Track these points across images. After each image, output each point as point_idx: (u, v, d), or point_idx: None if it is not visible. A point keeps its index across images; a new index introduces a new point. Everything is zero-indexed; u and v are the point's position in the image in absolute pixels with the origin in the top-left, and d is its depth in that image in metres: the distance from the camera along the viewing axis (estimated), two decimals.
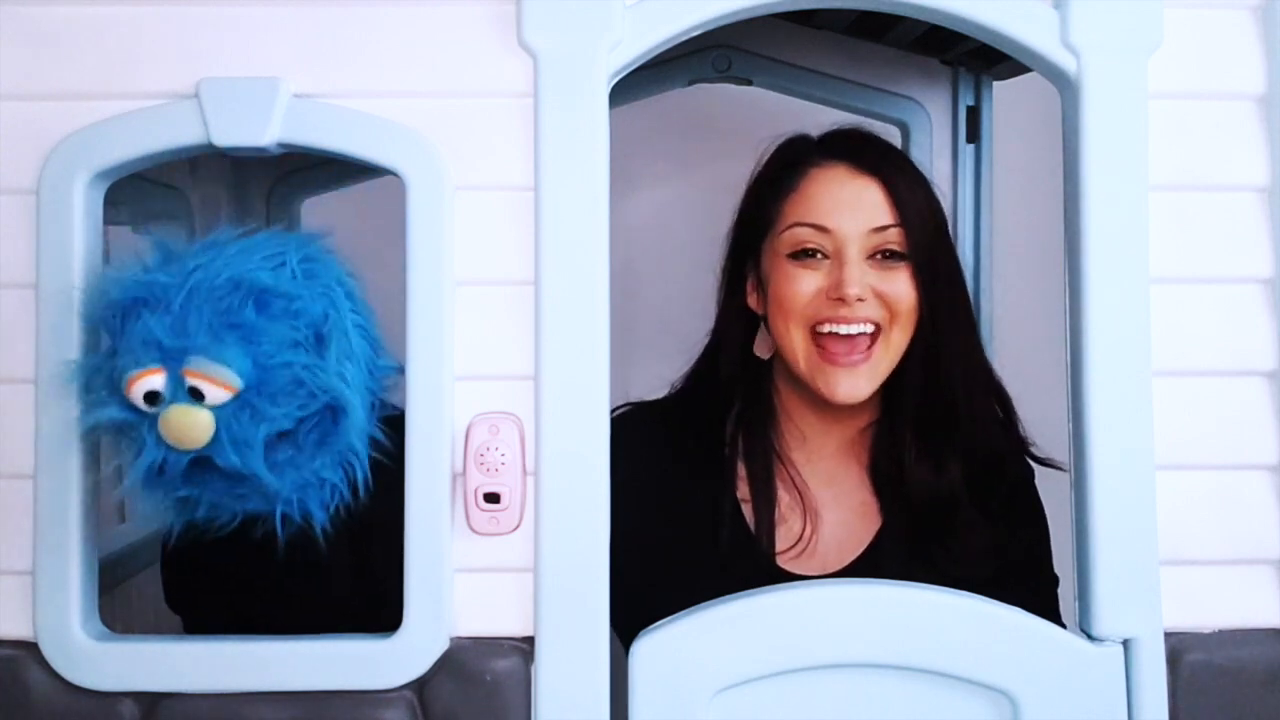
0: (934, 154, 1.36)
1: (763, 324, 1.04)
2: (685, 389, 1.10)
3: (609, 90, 0.78)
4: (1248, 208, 0.81)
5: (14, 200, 0.77)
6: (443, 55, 0.79)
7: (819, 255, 0.99)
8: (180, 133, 0.77)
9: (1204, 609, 0.80)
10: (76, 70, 0.78)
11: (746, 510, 1.03)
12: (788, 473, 1.04)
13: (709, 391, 1.07)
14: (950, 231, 1.03)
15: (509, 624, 0.77)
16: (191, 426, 0.69)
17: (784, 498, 1.04)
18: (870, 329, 0.97)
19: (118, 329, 0.72)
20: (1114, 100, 0.79)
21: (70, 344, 0.76)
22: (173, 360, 0.70)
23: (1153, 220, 0.79)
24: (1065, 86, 0.81)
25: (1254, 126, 0.81)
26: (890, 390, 1.03)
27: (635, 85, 1.29)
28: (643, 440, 1.04)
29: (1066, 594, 0.86)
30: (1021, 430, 1.07)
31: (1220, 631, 0.80)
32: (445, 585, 0.77)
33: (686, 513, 1.03)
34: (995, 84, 1.38)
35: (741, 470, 1.05)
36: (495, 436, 0.76)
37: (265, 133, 0.77)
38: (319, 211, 1.36)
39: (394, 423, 0.77)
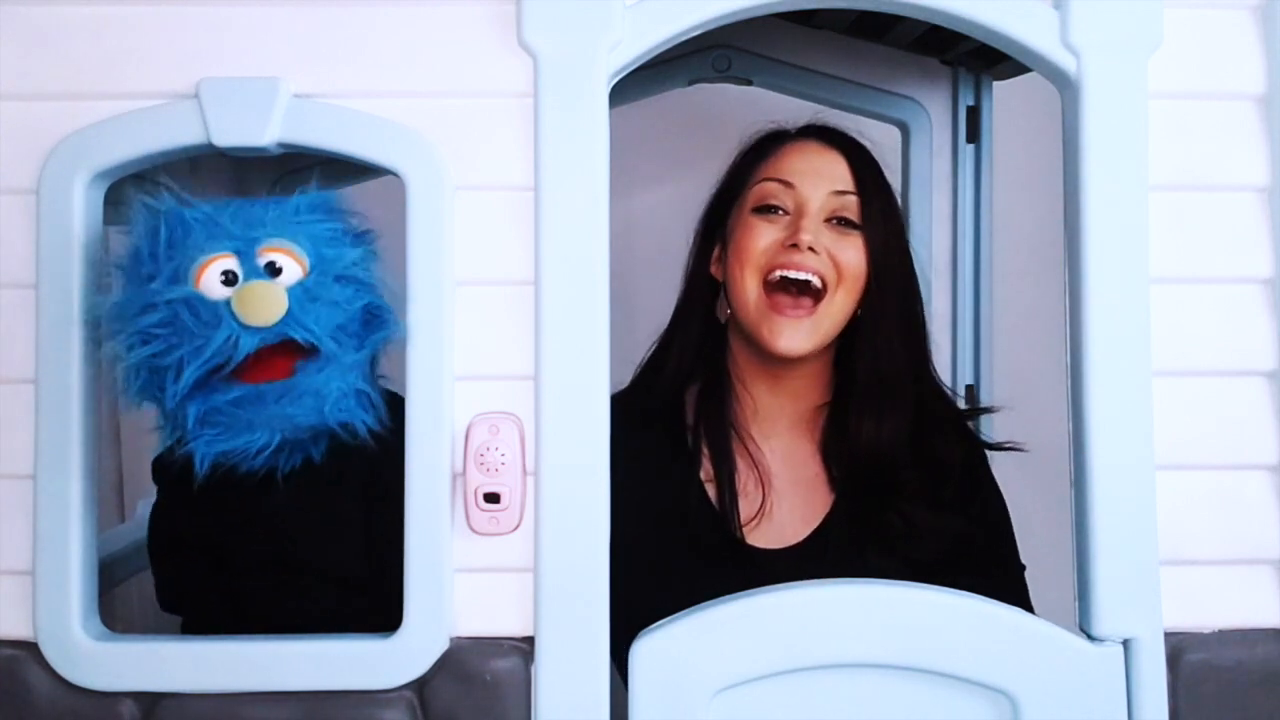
0: (934, 154, 1.36)
1: (722, 289, 1.09)
2: (647, 367, 1.14)
3: (609, 90, 0.78)
4: (1248, 208, 0.81)
5: (14, 200, 0.77)
6: (443, 55, 0.79)
7: (781, 212, 1.04)
8: (180, 133, 0.78)
9: (1204, 609, 0.80)
10: (76, 70, 0.78)
11: (710, 489, 1.06)
12: (744, 445, 1.08)
13: (673, 365, 1.11)
14: (906, 234, 1.09)
15: (509, 624, 0.77)
16: (273, 297, 0.72)
17: (740, 468, 1.07)
18: (818, 282, 1.01)
19: (159, 236, 0.74)
20: (1114, 100, 0.79)
21: (71, 344, 0.76)
22: (245, 244, 0.74)
23: (1153, 220, 0.80)
24: (1065, 86, 0.81)
25: (1254, 126, 0.81)
26: (841, 373, 1.08)
27: (635, 85, 1.30)
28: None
29: (1066, 594, 0.86)
30: (970, 421, 1.13)
31: (1220, 631, 0.80)
32: (445, 585, 0.77)
33: (652, 498, 1.04)
34: (995, 84, 1.38)
35: (704, 448, 1.08)
36: (495, 436, 0.76)
37: (265, 133, 0.77)
38: None
39: (390, 400, 0.79)
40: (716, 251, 1.11)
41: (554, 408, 0.77)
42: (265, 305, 0.72)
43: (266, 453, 0.75)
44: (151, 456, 0.92)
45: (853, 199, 1.04)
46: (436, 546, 0.76)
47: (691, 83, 1.36)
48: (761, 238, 1.04)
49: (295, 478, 0.79)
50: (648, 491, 1.04)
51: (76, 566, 0.77)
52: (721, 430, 1.08)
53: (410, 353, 0.77)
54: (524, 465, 0.77)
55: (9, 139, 0.78)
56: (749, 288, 1.04)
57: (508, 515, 0.76)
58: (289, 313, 0.73)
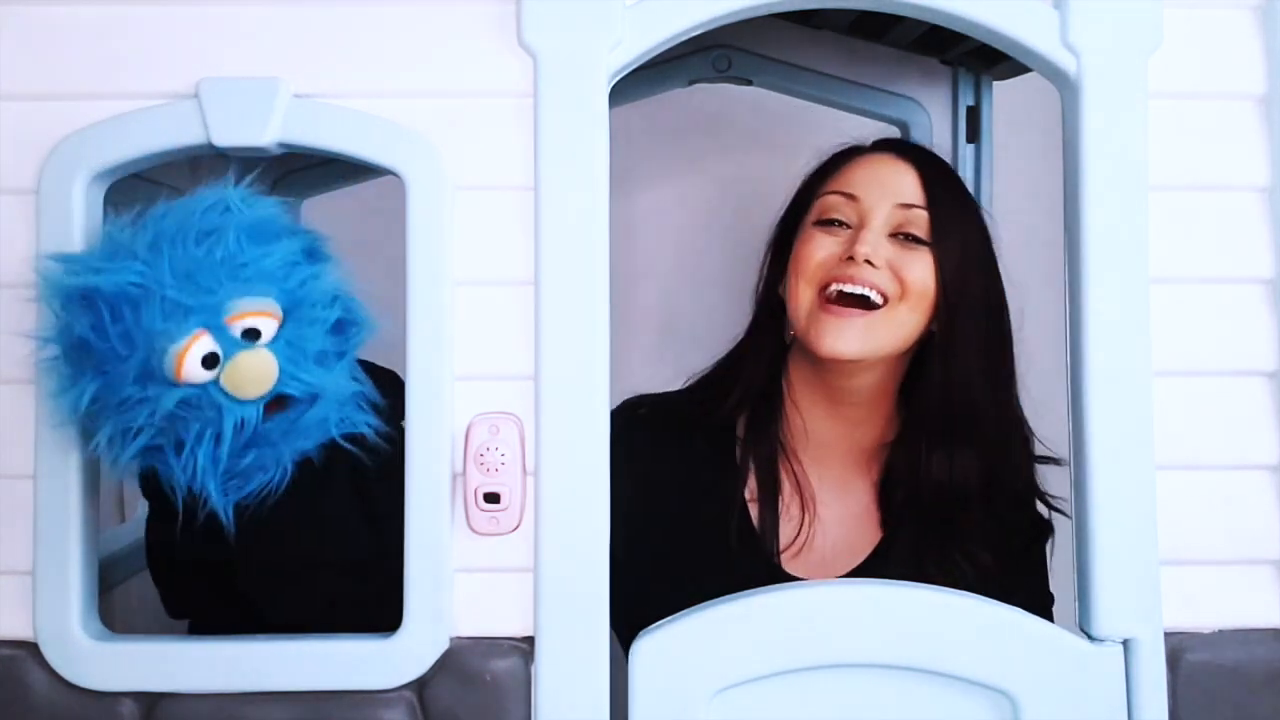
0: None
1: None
2: (706, 378, 1.10)
3: (609, 90, 0.78)
4: (1248, 208, 0.81)
5: (14, 200, 0.77)
6: (443, 55, 0.79)
7: (843, 225, 1.00)
8: (180, 133, 0.77)
9: (1204, 609, 0.80)
10: (76, 70, 0.78)
11: (753, 509, 1.03)
12: (791, 468, 1.04)
13: (741, 386, 1.06)
14: (995, 253, 1.02)
15: (509, 624, 0.77)
16: (265, 366, 0.68)
17: (785, 490, 1.04)
18: (877, 297, 0.96)
19: (106, 326, 0.68)
20: (1114, 100, 0.79)
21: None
22: (210, 315, 0.68)
23: (1153, 220, 0.79)
24: (1065, 86, 0.81)
25: (1254, 126, 0.81)
26: (909, 410, 1.03)
27: (635, 85, 1.29)
28: (648, 434, 1.04)
29: (1067, 594, 0.86)
30: (1037, 478, 1.06)
31: (1221, 631, 0.80)
32: (445, 585, 0.77)
33: (691, 509, 1.03)
34: (995, 84, 1.38)
35: (752, 467, 1.05)
36: (495, 436, 0.76)
37: (265, 133, 0.77)
38: (319, 211, 1.36)
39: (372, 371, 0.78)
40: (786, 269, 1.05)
41: (554, 407, 0.77)
42: (260, 379, 0.68)
43: (283, 485, 0.73)
44: None
45: (921, 214, 0.99)
46: (436, 546, 0.76)
47: (691, 83, 1.36)
48: (819, 250, 0.99)
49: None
50: (690, 504, 1.02)
51: (76, 566, 0.77)
52: (770, 450, 1.04)
53: (410, 353, 0.77)
54: (524, 465, 0.77)
55: (9, 139, 0.78)
56: (803, 300, 0.99)
57: (508, 515, 0.76)
58: (280, 370, 0.69)
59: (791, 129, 1.61)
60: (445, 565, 0.77)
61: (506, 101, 0.78)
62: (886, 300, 0.97)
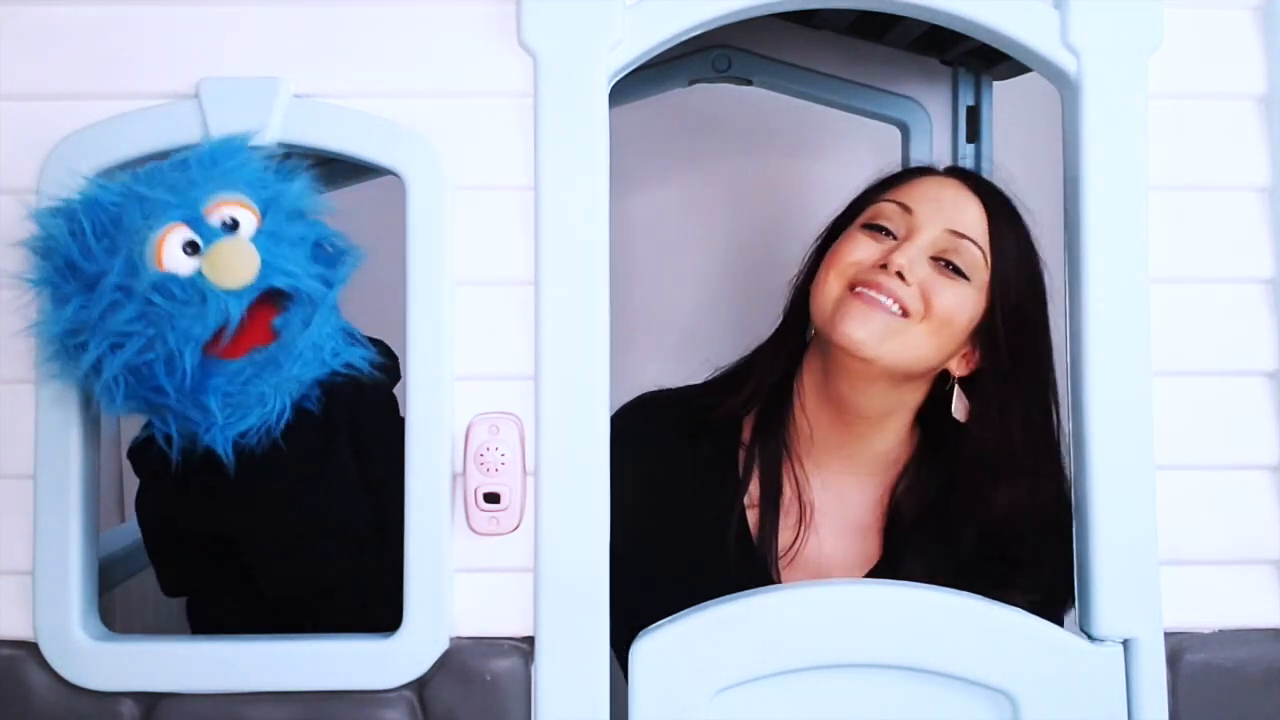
0: (934, 154, 1.36)
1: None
2: (725, 373, 1.08)
3: (609, 90, 0.78)
4: (1248, 208, 0.81)
5: (14, 200, 0.77)
6: (443, 55, 0.79)
7: (890, 234, 0.98)
8: (180, 133, 0.77)
9: (1204, 609, 0.80)
10: (76, 70, 0.78)
11: (751, 515, 1.03)
12: (793, 470, 1.03)
13: (752, 384, 1.05)
14: (1045, 302, 0.99)
15: (509, 624, 0.77)
16: (246, 252, 0.67)
17: (785, 496, 1.03)
18: (898, 310, 0.94)
19: (90, 244, 0.67)
20: (1114, 100, 0.79)
21: None
22: (189, 207, 0.68)
23: (1153, 220, 0.79)
24: (1065, 86, 0.81)
25: (1254, 126, 0.81)
26: (924, 432, 1.02)
27: (635, 85, 1.30)
28: (650, 434, 1.04)
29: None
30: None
31: (1220, 632, 0.80)
32: (445, 585, 0.77)
33: (689, 512, 1.03)
34: (995, 84, 1.38)
35: (756, 471, 1.04)
36: (495, 436, 0.76)
37: (265, 132, 0.77)
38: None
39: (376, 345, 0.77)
40: None
41: (554, 408, 0.77)
42: (241, 263, 0.67)
43: (282, 421, 0.71)
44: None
45: (970, 247, 0.96)
46: (436, 546, 0.76)
47: (691, 83, 1.36)
48: (857, 250, 0.97)
49: (285, 437, 0.74)
50: (687, 507, 1.02)
51: (76, 566, 0.77)
52: (774, 452, 1.03)
53: (410, 353, 0.77)
54: (524, 465, 0.77)
55: (9, 139, 0.78)
56: (831, 290, 0.97)
57: (508, 515, 0.76)
58: (263, 263, 0.68)
59: (791, 129, 1.61)
60: (445, 565, 0.77)
61: (506, 101, 0.78)
62: (907, 314, 0.95)
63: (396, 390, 0.84)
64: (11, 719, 0.76)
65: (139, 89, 0.78)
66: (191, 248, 0.67)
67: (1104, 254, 0.79)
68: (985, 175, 1.07)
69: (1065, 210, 0.83)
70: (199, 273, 0.67)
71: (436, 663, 0.76)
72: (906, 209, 0.98)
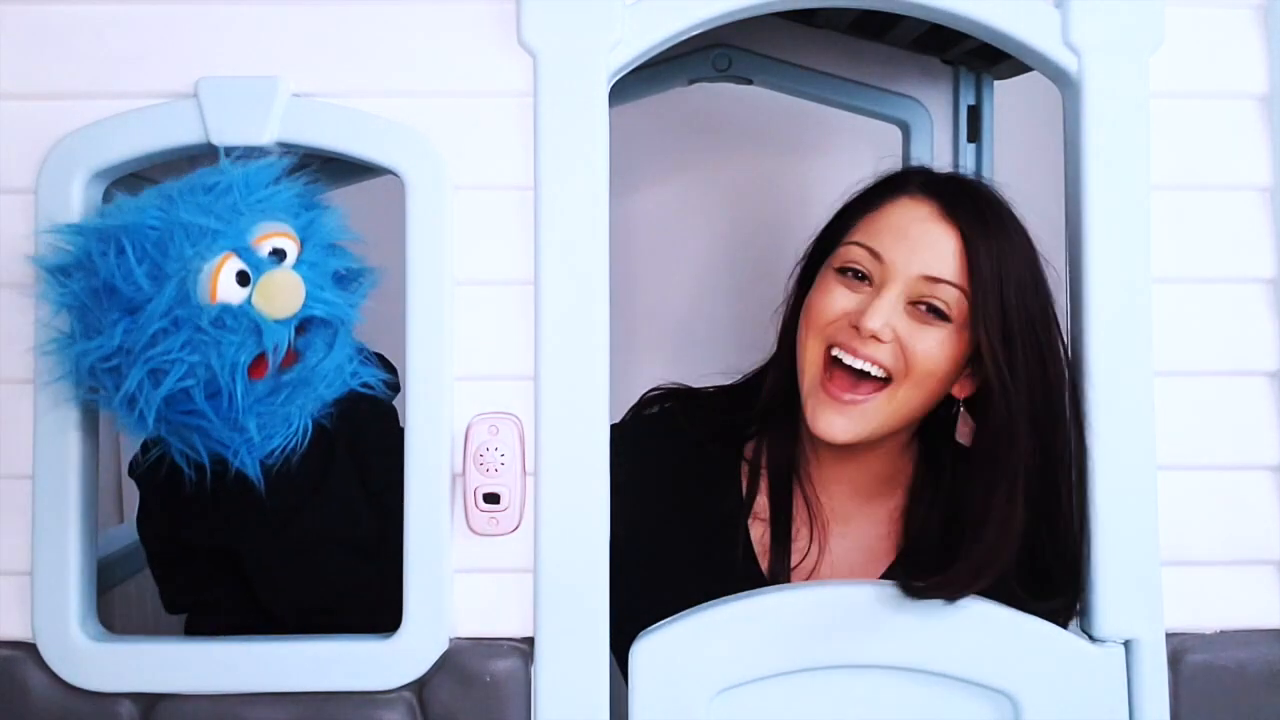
0: (934, 154, 1.36)
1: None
2: (736, 388, 1.07)
3: (609, 90, 0.78)
4: (1250, 207, 0.81)
5: (14, 200, 0.77)
6: (443, 55, 0.79)
7: (864, 279, 0.94)
8: (179, 132, 0.77)
9: (1205, 610, 0.80)
10: (76, 70, 0.78)
11: (754, 530, 1.01)
12: (804, 492, 1.02)
13: (760, 410, 1.03)
14: (1054, 321, 0.91)
15: (509, 624, 0.77)
16: (295, 285, 0.69)
17: (796, 519, 1.01)
18: (880, 373, 0.92)
19: (132, 267, 0.68)
20: (1115, 99, 0.79)
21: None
22: (237, 237, 0.69)
23: (1154, 220, 0.79)
24: (1066, 86, 0.81)
25: (1256, 126, 0.81)
26: (926, 446, 1.00)
27: (635, 85, 1.29)
28: (653, 442, 1.03)
29: None
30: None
31: (1222, 632, 0.80)
32: (445, 586, 0.77)
33: (699, 528, 1.01)
34: (996, 83, 1.38)
35: (761, 486, 1.02)
36: (495, 437, 0.76)
37: (264, 132, 0.77)
38: None
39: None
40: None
41: (554, 408, 0.77)
42: (291, 295, 0.69)
43: (306, 440, 0.73)
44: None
45: (949, 289, 0.90)
46: (436, 547, 0.76)
47: (691, 82, 1.36)
48: (834, 302, 0.93)
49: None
50: (693, 517, 1.00)
51: (75, 567, 0.77)
52: (784, 471, 1.01)
53: (410, 353, 0.77)
54: (524, 465, 0.77)
55: (9, 139, 0.78)
56: (810, 354, 0.95)
57: (507, 516, 0.76)
58: (307, 293, 0.70)
59: (792, 129, 1.61)
60: (445, 566, 0.77)
61: (506, 101, 0.78)
62: (890, 377, 0.92)
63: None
64: (10, 719, 0.76)
65: (138, 88, 0.78)
66: (242, 278, 0.69)
67: (1105, 254, 0.79)
68: (974, 176, 1.03)
69: (1066, 210, 0.82)
70: (248, 301, 0.69)
71: (436, 663, 0.76)
72: (877, 256, 0.93)
